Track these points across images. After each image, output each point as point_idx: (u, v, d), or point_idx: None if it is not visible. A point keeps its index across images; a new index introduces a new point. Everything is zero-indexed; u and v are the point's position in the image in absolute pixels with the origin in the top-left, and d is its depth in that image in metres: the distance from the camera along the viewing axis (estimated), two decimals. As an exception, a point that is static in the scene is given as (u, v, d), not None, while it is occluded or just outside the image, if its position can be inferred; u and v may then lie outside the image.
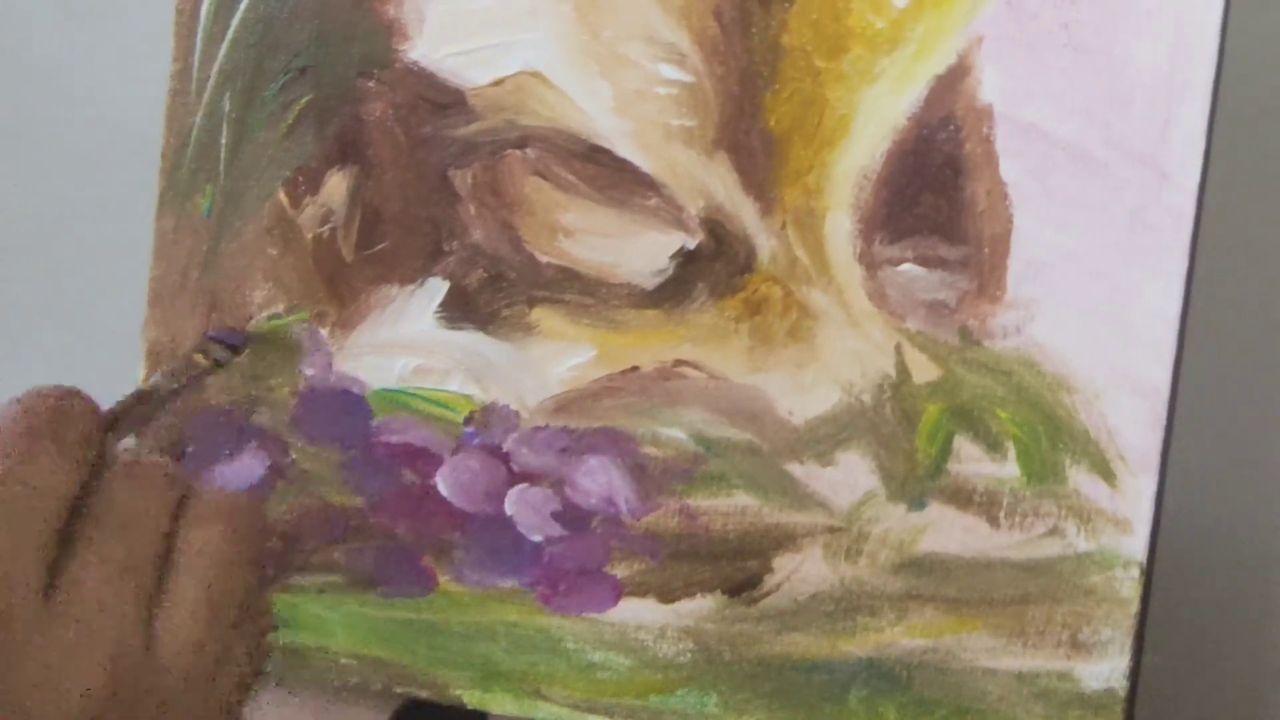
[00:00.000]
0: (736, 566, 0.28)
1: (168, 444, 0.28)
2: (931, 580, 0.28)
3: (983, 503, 0.28)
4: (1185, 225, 0.27)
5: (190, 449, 0.29)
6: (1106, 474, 0.28)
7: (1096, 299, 0.27)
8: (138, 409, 0.24)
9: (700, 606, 0.29)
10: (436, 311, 0.28)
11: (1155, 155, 0.27)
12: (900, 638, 0.28)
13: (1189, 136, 0.26)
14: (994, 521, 0.28)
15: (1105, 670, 0.28)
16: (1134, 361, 0.27)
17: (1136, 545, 0.28)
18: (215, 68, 0.28)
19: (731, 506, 0.28)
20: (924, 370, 0.28)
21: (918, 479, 0.28)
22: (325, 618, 0.30)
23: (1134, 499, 0.28)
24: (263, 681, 0.22)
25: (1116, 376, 0.27)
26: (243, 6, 0.28)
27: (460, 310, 0.29)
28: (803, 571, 0.28)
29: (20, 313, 0.53)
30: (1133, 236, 0.27)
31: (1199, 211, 0.27)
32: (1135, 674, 0.28)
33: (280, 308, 0.29)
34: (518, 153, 0.28)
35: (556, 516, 0.29)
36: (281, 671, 0.30)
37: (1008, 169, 0.27)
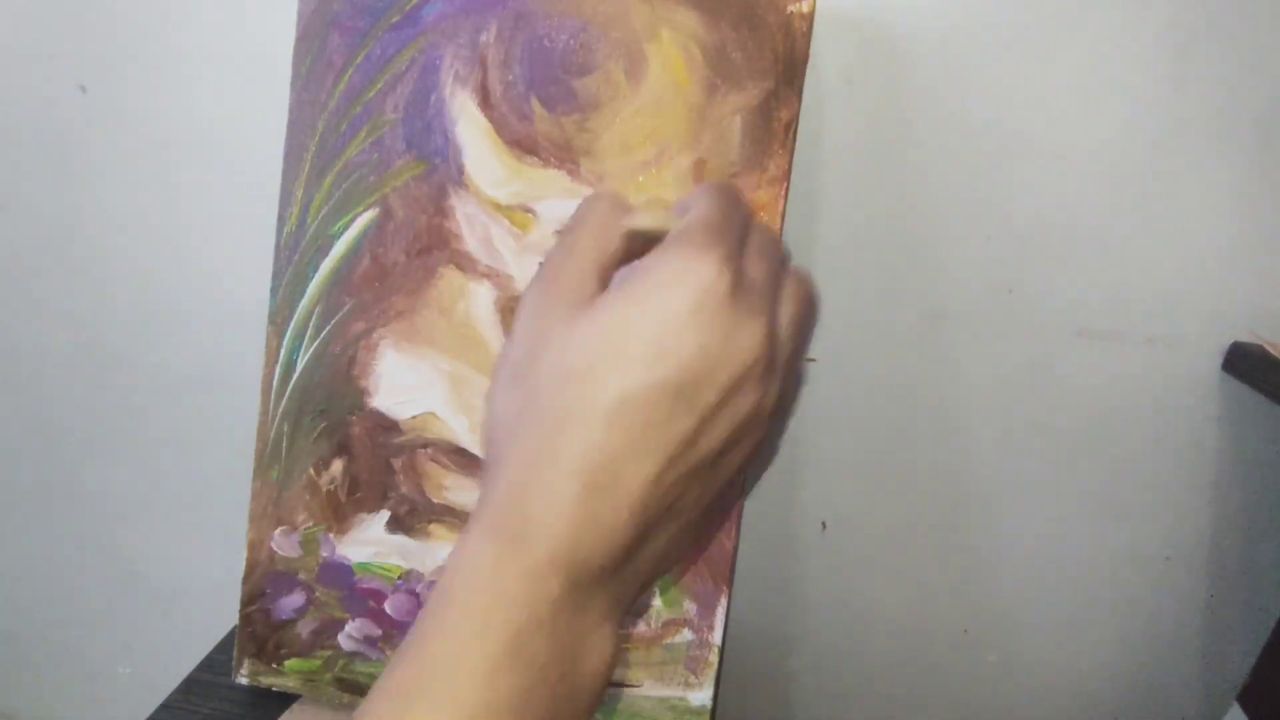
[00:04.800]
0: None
1: None
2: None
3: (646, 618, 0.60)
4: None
5: (268, 590, 0.60)
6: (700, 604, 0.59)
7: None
8: None
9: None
10: (386, 526, 0.59)
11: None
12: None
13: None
14: (648, 623, 0.60)
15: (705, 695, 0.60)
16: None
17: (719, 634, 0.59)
18: (281, 408, 0.59)
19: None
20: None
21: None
22: (329, 667, 0.61)
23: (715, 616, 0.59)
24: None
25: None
26: (291, 384, 0.59)
27: (396, 525, 0.60)
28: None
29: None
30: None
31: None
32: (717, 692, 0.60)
33: (310, 524, 0.60)
34: (424, 450, 0.59)
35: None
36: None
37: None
